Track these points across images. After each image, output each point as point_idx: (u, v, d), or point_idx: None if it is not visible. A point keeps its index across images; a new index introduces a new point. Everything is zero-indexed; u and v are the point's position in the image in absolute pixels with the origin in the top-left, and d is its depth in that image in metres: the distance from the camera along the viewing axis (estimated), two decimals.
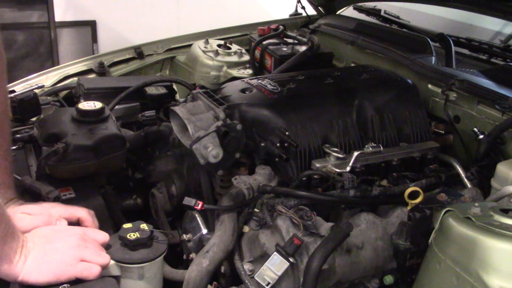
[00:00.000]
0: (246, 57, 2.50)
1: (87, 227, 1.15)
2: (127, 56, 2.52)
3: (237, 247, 1.33)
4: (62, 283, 0.99)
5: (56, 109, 1.80)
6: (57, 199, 1.24)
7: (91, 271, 1.02)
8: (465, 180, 1.48)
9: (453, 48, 2.04)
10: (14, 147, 1.51)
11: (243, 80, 1.78)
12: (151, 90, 2.00)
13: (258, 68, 2.46)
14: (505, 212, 0.94)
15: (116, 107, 1.91)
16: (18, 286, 0.97)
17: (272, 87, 1.66)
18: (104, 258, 1.05)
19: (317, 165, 1.46)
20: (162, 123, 1.78)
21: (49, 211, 1.13)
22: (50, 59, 4.57)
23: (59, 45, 4.67)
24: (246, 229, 1.36)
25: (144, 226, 1.12)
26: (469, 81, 1.70)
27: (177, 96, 2.14)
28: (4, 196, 1.11)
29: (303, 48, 2.40)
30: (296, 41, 2.51)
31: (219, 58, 2.43)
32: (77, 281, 1.01)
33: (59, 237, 1.03)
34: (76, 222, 1.17)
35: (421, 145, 1.62)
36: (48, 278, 0.98)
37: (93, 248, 1.05)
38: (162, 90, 2.02)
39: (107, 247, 1.10)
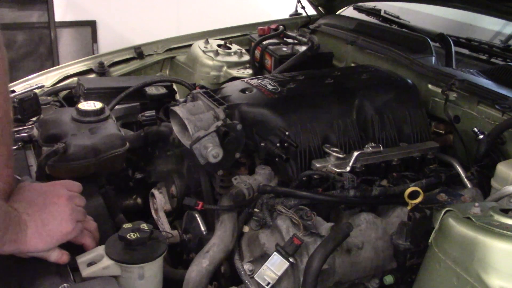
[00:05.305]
0: (246, 57, 2.50)
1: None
2: (127, 56, 2.53)
3: (237, 247, 1.33)
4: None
5: (56, 109, 1.80)
6: None
7: (90, 229, 1.14)
8: (465, 180, 1.48)
9: (453, 48, 2.04)
10: (14, 147, 1.51)
11: (243, 80, 1.78)
12: (151, 90, 2.01)
13: (258, 68, 2.46)
14: (505, 212, 0.94)
15: (116, 107, 1.91)
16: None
17: (272, 87, 1.66)
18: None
19: (317, 165, 1.46)
20: (162, 123, 1.78)
21: None
22: (50, 59, 4.57)
23: (59, 45, 4.68)
24: (246, 229, 1.35)
25: (144, 226, 1.12)
26: (469, 81, 1.70)
27: (177, 96, 2.14)
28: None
29: (303, 48, 2.40)
30: (296, 41, 2.51)
31: (219, 58, 2.43)
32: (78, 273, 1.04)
33: (49, 202, 1.05)
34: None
35: (421, 145, 1.62)
36: (53, 244, 1.04)
37: (79, 202, 1.11)
38: (162, 90, 2.02)
39: (107, 246, 1.10)
